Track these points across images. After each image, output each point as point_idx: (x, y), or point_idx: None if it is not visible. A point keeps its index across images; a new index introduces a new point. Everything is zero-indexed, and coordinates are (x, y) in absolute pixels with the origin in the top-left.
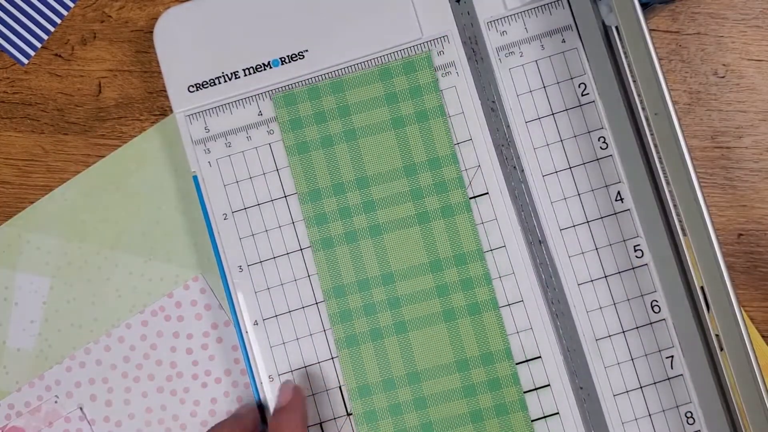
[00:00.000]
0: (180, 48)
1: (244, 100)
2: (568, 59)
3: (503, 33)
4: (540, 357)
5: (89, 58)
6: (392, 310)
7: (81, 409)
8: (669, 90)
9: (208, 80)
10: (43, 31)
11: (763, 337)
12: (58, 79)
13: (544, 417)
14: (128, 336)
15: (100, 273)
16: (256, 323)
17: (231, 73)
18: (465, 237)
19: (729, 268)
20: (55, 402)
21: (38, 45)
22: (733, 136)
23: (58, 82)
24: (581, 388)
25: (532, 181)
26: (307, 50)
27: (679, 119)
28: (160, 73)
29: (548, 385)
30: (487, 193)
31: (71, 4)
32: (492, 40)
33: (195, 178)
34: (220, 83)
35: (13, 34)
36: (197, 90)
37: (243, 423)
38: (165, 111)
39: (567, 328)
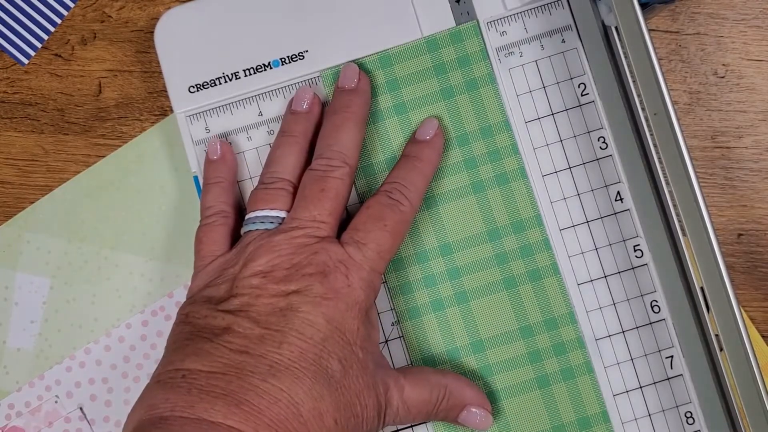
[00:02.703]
0: (180, 48)
1: (244, 101)
2: (567, 59)
3: (503, 33)
4: None
5: (89, 58)
6: (452, 280)
7: (81, 409)
8: (669, 90)
9: (208, 80)
10: (43, 31)
11: (763, 337)
12: (58, 79)
13: None
14: (128, 336)
15: (100, 273)
16: None
17: (231, 74)
18: (521, 203)
19: (729, 268)
20: (55, 402)
21: (38, 45)
22: (733, 136)
23: (58, 82)
24: None
25: (532, 181)
26: (307, 51)
27: (678, 119)
28: (160, 73)
29: None
30: None
31: (71, 4)
32: (492, 40)
33: (195, 178)
34: (220, 84)
35: (13, 34)
36: (198, 90)
37: (364, 100)
38: (165, 111)
39: None
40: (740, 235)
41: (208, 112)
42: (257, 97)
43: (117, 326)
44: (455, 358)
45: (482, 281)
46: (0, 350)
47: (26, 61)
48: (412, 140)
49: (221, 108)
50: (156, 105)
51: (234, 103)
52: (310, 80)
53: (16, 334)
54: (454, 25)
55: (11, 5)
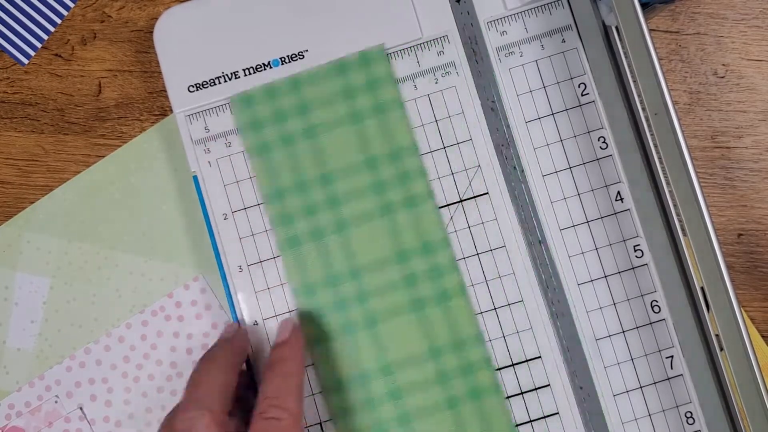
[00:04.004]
0: (180, 48)
1: None
2: (567, 59)
3: (503, 33)
4: (540, 357)
5: (89, 58)
6: (362, 304)
7: (81, 409)
8: (669, 90)
9: (208, 80)
10: (43, 31)
11: (763, 337)
12: (58, 79)
13: (544, 417)
14: (128, 336)
15: (100, 273)
16: (255, 323)
17: (231, 73)
18: (429, 226)
19: (729, 268)
20: (55, 402)
21: (38, 45)
22: (733, 136)
23: (58, 82)
24: (581, 388)
25: (532, 181)
26: (307, 50)
27: (679, 119)
28: (160, 73)
29: (548, 385)
30: (487, 193)
31: (71, 4)
32: (492, 40)
33: (195, 178)
34: (220, 83)
35: (13, 34)
36: (197, 90)
37: (234, 346)
38: (165, 111)
39: (567, 328)
40: (740, 235)
41: (207, 111)
42: None
43: (117, 326)
44: (364, 382)
45: (391, 304)
46: (0, 350)
47: (26, 61)
48: (273, 346)
49: (221, 107)
50: (156, 105)
51: None
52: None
53: (16, 334)
54: (455, 25)
55: (11, 5)
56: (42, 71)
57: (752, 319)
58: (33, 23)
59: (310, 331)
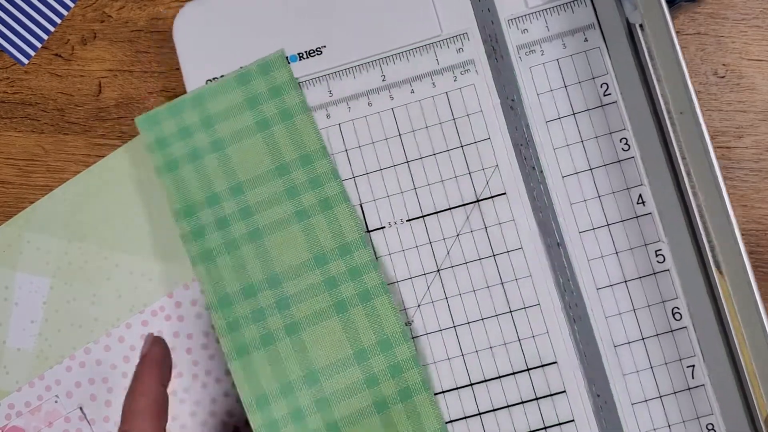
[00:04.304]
0: (199, 42)
1: None
2: (590, 58)
3: (524, 31)
4: (556, 362)
5: (89, 58)
6: (282, 312)
7: (81, 409)
8: (695, 90)
9: (226, 74)
10: (43, 31)
11: None
12: (58, 79)
13: (559, 424)
14: (128, 336)
15: (100, 273)
16: None
17: None
18: (346, 226)
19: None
20: (55, 402)
21: (38, 45)
22: (733, 136)
23: (58, 82)
24: (598, 395)
25: (551, 182)
26: (325, 46)
27: (704, 119)
28: (160, 73)
29: (564, 391)
30: (505, 194)
31: (71, 4)
32: (512, 38)
33: None
34: None
35: (13, 34)
36: None
37: (154, 361)
38: None
39: (584, 333)
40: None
41: None
42: None
43: (117, 326)
44: (289, 393)
45: (313, 309)
46: (0, 350)
47: (26, 61)
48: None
49: None
50: (156, 105)
51: None
52: (328, 75)
53: (16, 334)
54: (475, 22)
55: (11, 5)
56: (42, 71)
57: None
58: (33, 23)
59: (230, 345)
